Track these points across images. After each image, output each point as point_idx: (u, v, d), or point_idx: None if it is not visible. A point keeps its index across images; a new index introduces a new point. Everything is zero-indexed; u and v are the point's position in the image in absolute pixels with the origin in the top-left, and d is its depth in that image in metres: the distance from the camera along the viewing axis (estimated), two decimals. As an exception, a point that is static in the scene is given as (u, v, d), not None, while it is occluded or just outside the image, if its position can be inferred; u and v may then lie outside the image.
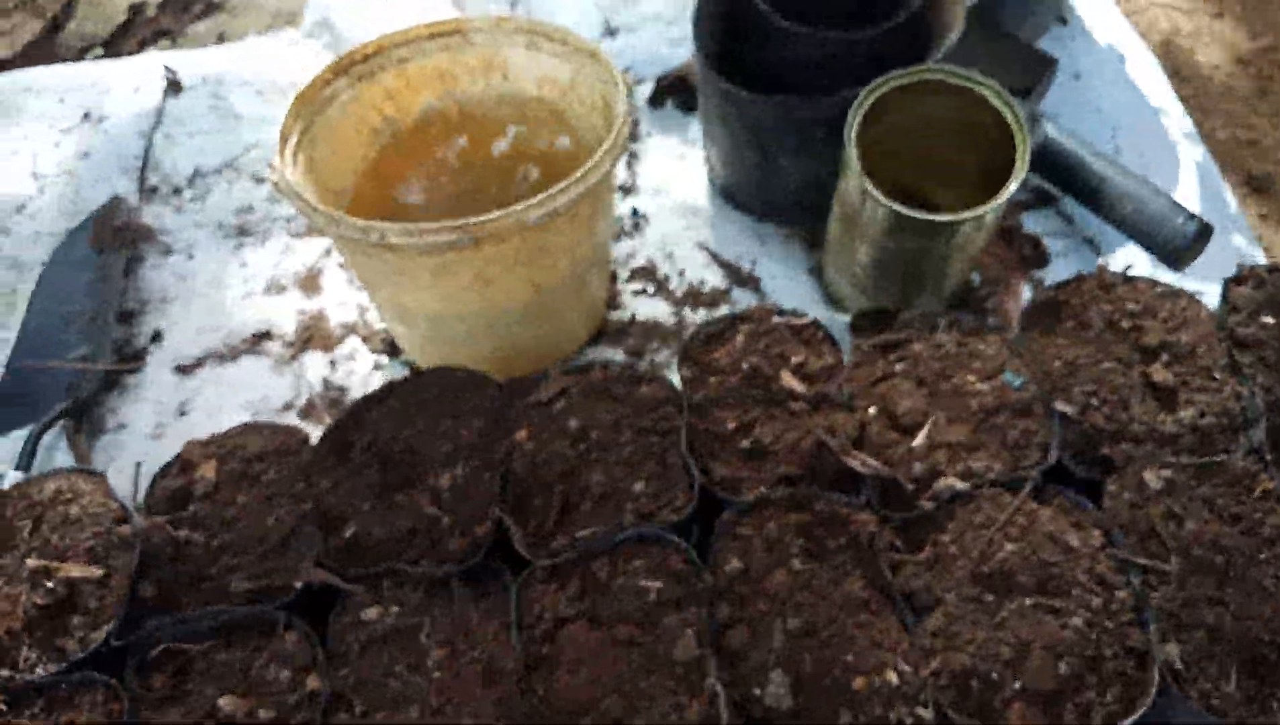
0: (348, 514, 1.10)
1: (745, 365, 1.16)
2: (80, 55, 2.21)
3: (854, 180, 1.22)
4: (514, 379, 1.22)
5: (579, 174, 1.13)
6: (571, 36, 1.36)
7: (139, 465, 1.21)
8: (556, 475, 1.09)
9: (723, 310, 1.47)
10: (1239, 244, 1.53)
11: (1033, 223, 1.55)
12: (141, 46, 2.21)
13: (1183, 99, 1.76)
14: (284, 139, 1.26)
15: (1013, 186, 1.18)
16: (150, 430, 1.45)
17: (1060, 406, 1.08)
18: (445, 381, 1.20)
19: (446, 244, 1.12)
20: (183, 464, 1.17)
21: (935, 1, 1.40)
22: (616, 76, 1.28)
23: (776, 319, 1.22)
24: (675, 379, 1.19)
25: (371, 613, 1.03)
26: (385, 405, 1.19)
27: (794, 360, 1.17)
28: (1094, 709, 0.90)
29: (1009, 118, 1.22)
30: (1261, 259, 1.51)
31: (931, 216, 1.20)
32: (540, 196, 1.12)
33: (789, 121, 1.33)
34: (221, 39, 2.21)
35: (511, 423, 1.15)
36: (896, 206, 1.19)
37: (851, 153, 1.21)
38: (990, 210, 1.18)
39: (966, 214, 1.19)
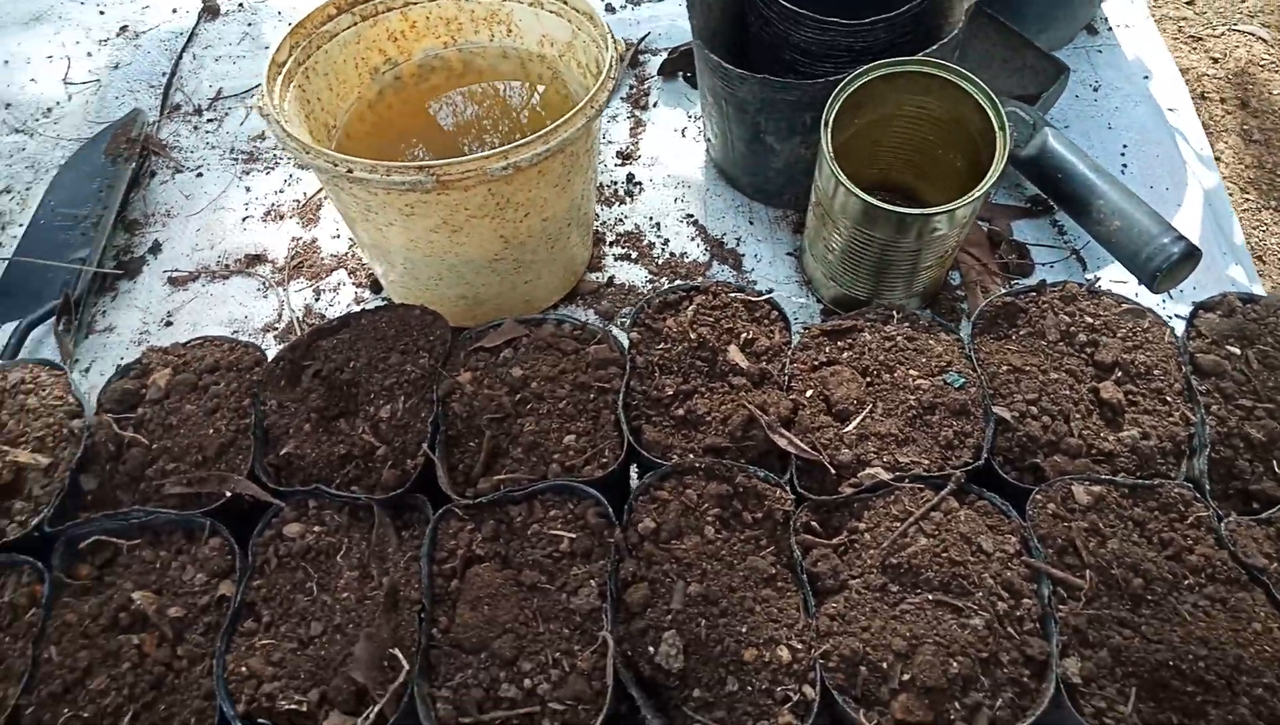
0: (287, 434, 1.12)
1: (694, 335, 1.16)
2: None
3: (827, 166, 1.21)
4: (471, 327, 1.23)
5: (545, 130, 1.13)
6: (572, -5, 1.36)
7: (119, 367, 1.24)
8: (490, 420, 1.11)
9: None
10: (1237, 275, 1.49)
11: (1025, 231, 1.52)
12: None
13: (1244, 131, 1.71)
14: (276, 65, 1.29)
15: (986, 185, 1.17)
16: (135, 336, 1.50)
17: (998, 411, 1.07)
18: (400, 319, 1.21)
19: (410, 184, 1.13)
20: (140, 368, 1.20)
21: (943, -4, 1.38)
22: (609, 39, 1.28)
23: (733, 294, 1.22)
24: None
25: (293, 529, 1.05)
26: (339, 336, 1.21)
27: (743, 336, 1.17)
28: (981, 711, 0.89)
29: (992, 116, 1.20)
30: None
31: (899, 209, 1.18)
32: (503, 148, 1.13)
33: (775, 102, 1.32)
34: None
35: (457, 365, 1.17)
36: (865, 196, 1.18)
37: (825, 137, 1.20)
38: (961, 206, 1.16)
39: (936, 209, 1.17)
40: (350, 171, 1.13)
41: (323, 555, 1.03)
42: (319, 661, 0.95)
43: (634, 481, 1.18)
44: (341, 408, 1.15)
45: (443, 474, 1.07)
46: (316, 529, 1.05)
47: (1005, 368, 1.11)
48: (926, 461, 1.04)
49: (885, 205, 1.17)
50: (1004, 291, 1.18)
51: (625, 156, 1.69)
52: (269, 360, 1.20)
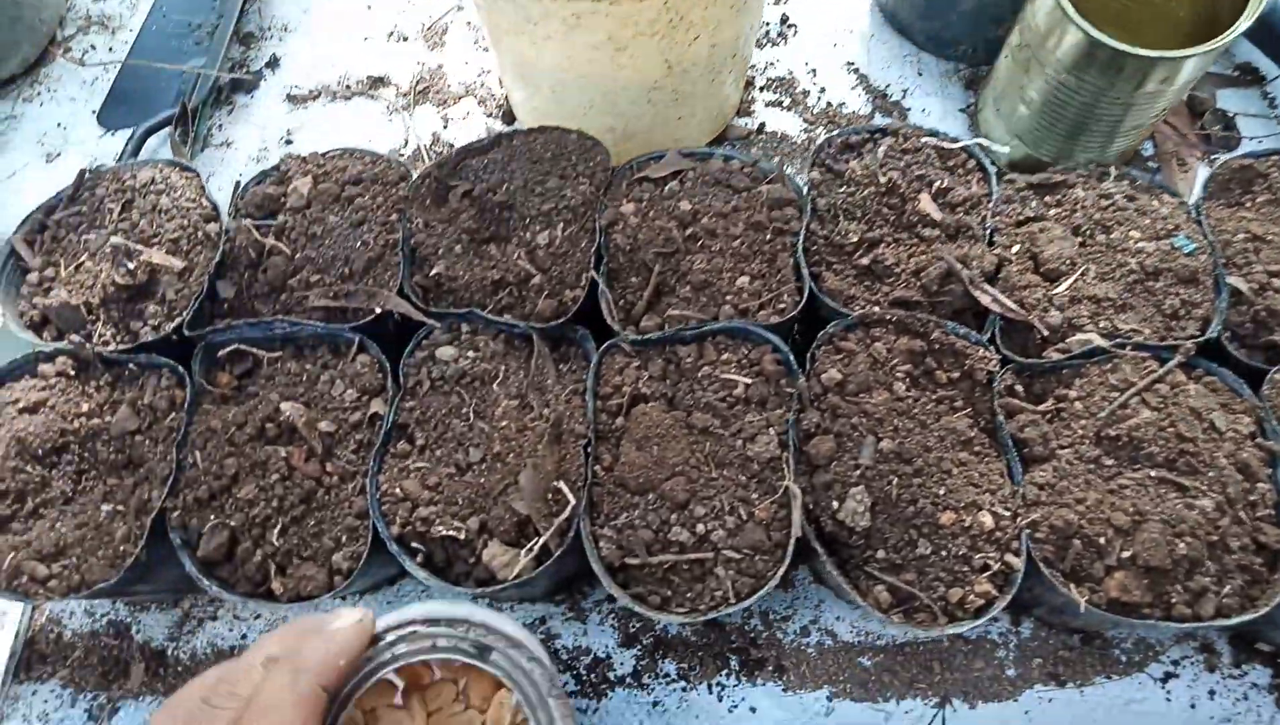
0: (436, 254, 1.04)
1: (883, 179, 1.05)
2: None
3: (1049, -4, 1.06)
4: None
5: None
6: None
7: (238, 183, 1.17)
8: (658, 254, 1.01)
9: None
10: None
11: (1230, 101, 1.36)
12: None
13: None
14: None
15: (1237, 30, 1.02)
16: (254, 152, 1.42)
17: (1233, 280, 0.95)
18: (557, 141, 1.11)
19: (583, -12, 1.01)
20: (279, 175, 1.12)
21: None
22: None
23: (925, 139, 1.09)
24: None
25: (447, 351, 0.98)
26: (490, 156, 1.11)
27: (936, 185, 1.05)
28: (1206, 596, 0.82)
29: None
30: None
31: (1127, 47, 1.04)
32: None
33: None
34: None
35: (619, 195, 1.07)
36: (1091, 30, 1.04)
37: (1055, -41, 1.05)
38: (1199, 53, 1.02)
39: (1165, 53, 1.03)
40: (509, -29, 1.01)
41: (478, 382, 0.97)
42: (478, 489, 0.89)
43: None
44: (493, 231, 1.06)
45: (609, 306, 0.98)
46: (471, 354, 0.98)
47: (1241, 236, 0.99)
48: (1147, 330, 0.94)
49: (1114, 42, 1.03)
50: (1240, 152, 1.05)
51: (779, -5, 1.54)
52: (414, 177, 1.11)
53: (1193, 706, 0.96)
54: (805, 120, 1.39)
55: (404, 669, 0.65)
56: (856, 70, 1.44)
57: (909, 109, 1.39)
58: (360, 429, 0.95)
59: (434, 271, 1.03)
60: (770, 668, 0.99)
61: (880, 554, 0.86)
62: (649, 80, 1.19)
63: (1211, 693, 0.96)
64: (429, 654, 0.65)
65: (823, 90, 1.42)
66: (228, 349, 1.00)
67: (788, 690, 0.98)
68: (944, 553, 0.85)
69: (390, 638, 0.65)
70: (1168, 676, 0.97)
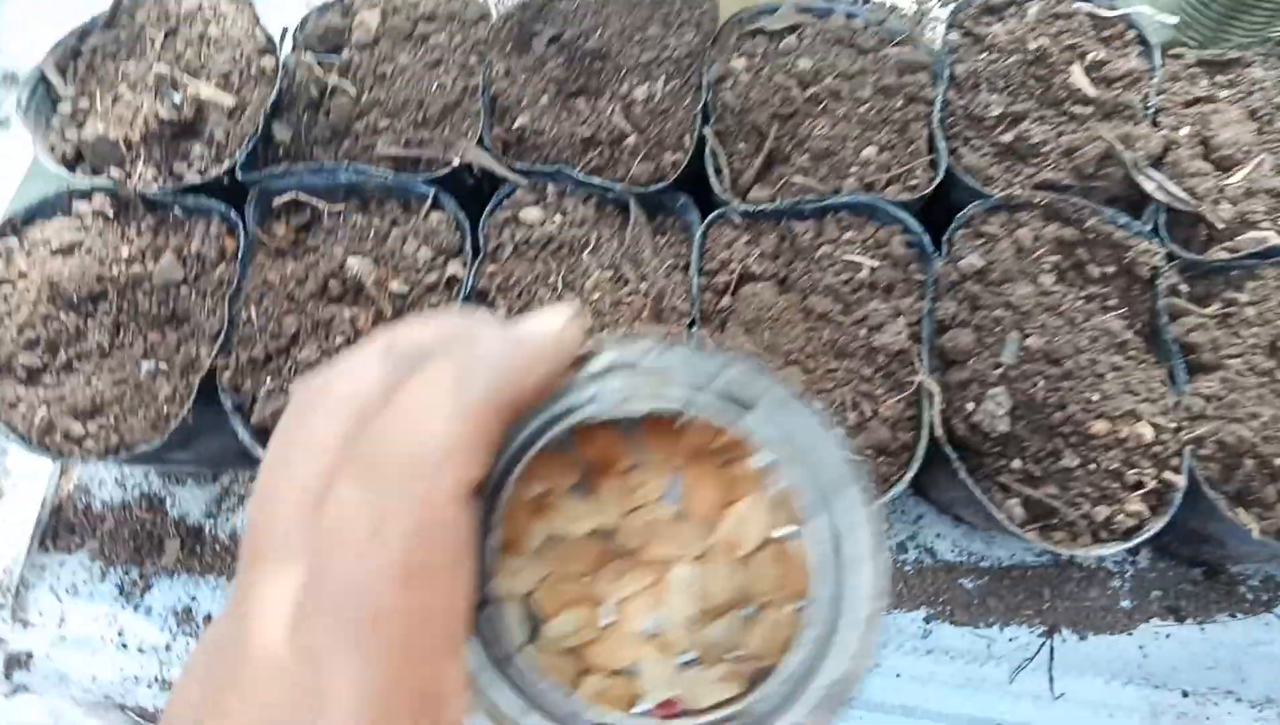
0: (519, 105, 0.92)
1: (1031, 46, 0.92)
2: None
3: None
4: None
5: None
6: None
7: (285, 30, 1.02)
8: (773, 117, 0.89)
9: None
10: None
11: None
12: None
13: None
14: None
15: None
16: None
17: None
18: (657, -16, 0.98)
19: None
20: (343, 6, 0.99)
21: None
22: None
23: (1079, 4, 0.96)
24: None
25: (533, 213, 0.87)
26: (581, -3, 0.98)
27: (1090, 57, 0.93)
28: (1387, 528, 0.73)
29: None
30: None
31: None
32: None
33: None
34: None
35: (729, 48, 0.95)
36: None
37: None
38: None
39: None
40: None
41: (567, 249, 0.86)
42: (571, 364, 0.79)
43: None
44: (583, 84, 0.94)
45: (719, 170, 0.87)
46: (559, 218, 0.87)
47: None
48: (1333, 231, 0.83)
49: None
50: None
51: None
52: (496, 17, 0.98)
53: (1326, 649, 0.88)
54: (917, -11, 1.25)
55: (604, 431, 0.43)
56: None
57: (1035, -16, 1.24)
58: (436, 292, 0.85)
59: (517, 124, 0.91)
60: (866, 582, 0.91)
61: (1016, 464, 0.77)
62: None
63: (1349, 637, 0.89)
64: (654, 403, 0.39)
65: (938, -42, 1.27)
66: (285, 197, 0.89)
67: (883, 608, 0.90)
68: (1092, 466, 0.75)
69: (597, 365, 0.39)
70: (1300, 617, 0.90)
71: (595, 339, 0.40)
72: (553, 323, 0.35)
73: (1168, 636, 0.89)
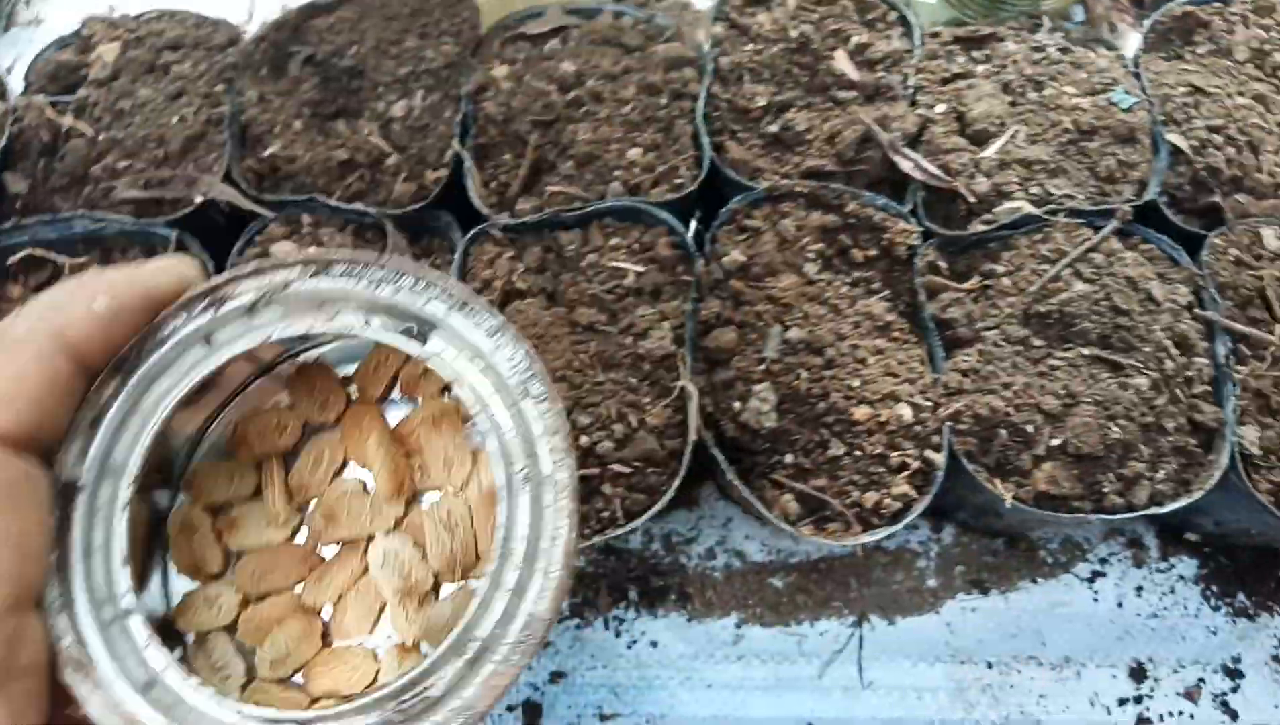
0: (271, 132, 0.88)
1: (793, 34, 0.92)
2: None
3: None
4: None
5: None
6: None
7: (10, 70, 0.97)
8: (535, 124, 0.87)
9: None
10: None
11: (1164, -43, 1.25)
12: None
13: None
14: None
15: None
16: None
17: (1172, 137, 0.86)
18: (414, -5, 0.95)
19: None
20: (80, 41, 0.94)
21: None
22: None
23: (840, -11, 0.96)
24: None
25: (285, 248, 0.83)
26: (338, 13, 0.95)
27: (854, 40, 0.93)
28: (1139, 483, 0.74)
29: None
30: None
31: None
32: None
33: None
34: None
35: (491, 56, 0.92)
36: None
37: None
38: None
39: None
40: None
41: (324, 279, 0.82)
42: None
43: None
44: (342, 104, 0.90)
45: (476, 185, 0.84)
46: (312, 251, 0.83)
47: (1181, 90, 0.89)
48: (1081, 195, 0.84)
49: None
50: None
51: None
52: (247, 40, 0.94)
53: (1120, 605, 0.90)
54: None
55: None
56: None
57: (824, -33, 1.24)
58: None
59: (268, 152, 0.87)
60: (673, 596, 0.90)
61: (789, 458, 0.76)
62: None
63: (1139, 589, 0.91)
64: (312, 327, 0.38)
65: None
66: (19, 255, 0.83)
67: (692, 619, 0.89)
68: (858, 453, 0.75)
69: (242, 298, 0.38)
70: (1095, 576, 0.91)
71: (235, 271, 0.39)
72: (144, 264, 0.35)
73: (973, 610, 0.90)
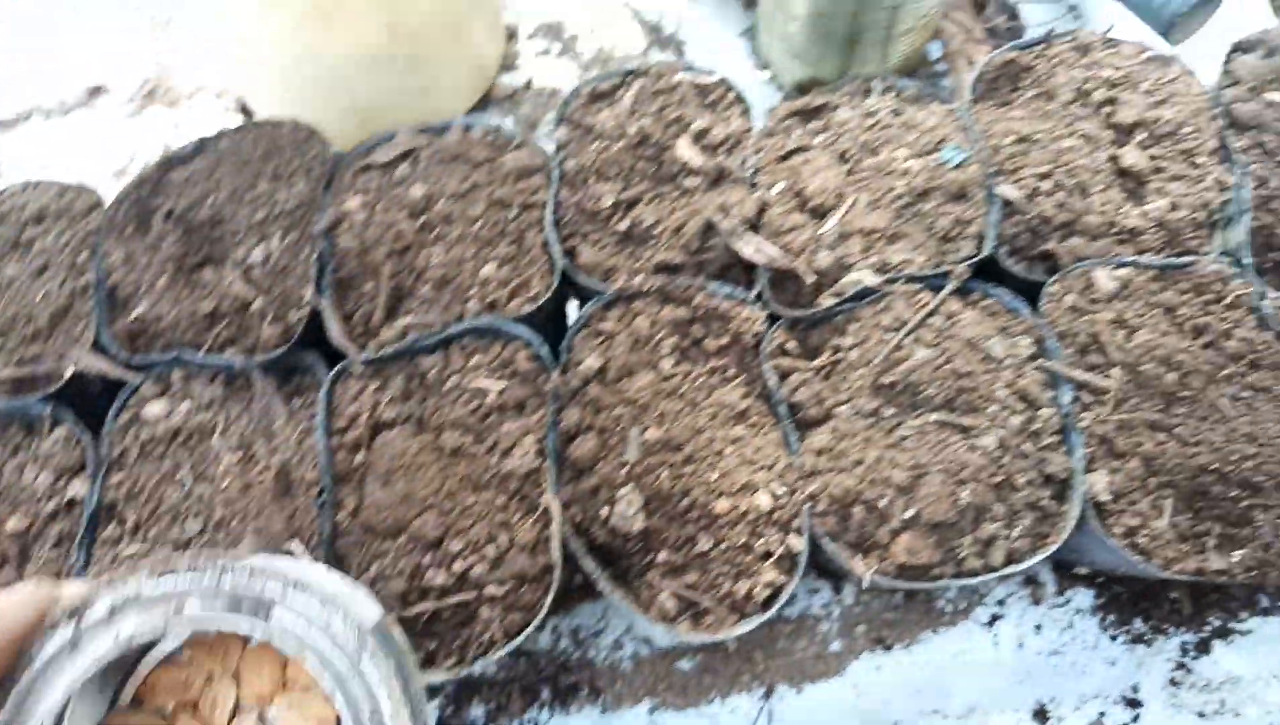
0: (138, 292, 0.91)
1: (634, 129, 0.94)
2: None
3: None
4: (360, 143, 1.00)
5: None
6: None
7: None
8: (389, 253, 0.90)
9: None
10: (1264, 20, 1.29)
11: (1013, -14, 1.29)
12: None
13: None
14: None
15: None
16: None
17: (1003, 190, 0.88)
18: (267, 137, 0.97)
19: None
20: (-56, 228, 0.96)
21: None
22: None
23: (680, 75, 0.99)
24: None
25: (156, 408, 0.85)
26: (193, 165, 0.97)
27: (695, 126, 0.95)
28: (996, 544, 0.76)
29: None
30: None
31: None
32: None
33: None
34: None
35: (343, 189, 0.95)
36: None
37: None
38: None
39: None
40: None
41: (195, 437, 0.84)
42: (203, 562, 0.78)
43: (574, 315, 0.99)
44: (206, 253, 0.93)
45: (333, 322, 0.87)
46: (185, 406, 0.86)
47: (1010, 138, 0.91)
48: (921, 258, 0.86)
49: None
50: (1006, 46, 0.97)
51: (537, -70, 1.40)
52: (109, 203, 0.96)
53: (1020, 645, 0.92)
54: (578, 66, 1.28)
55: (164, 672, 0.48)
56: (627, 4, 1.32)
57: (684, 41, 1.28)
58: (59, 518, 0.82)
59: (136, 313, 0.89)
60: (585, 691, 0.91)
61: (661, 556, 0.78)
62: (371, 47, 1.06)
63: (1038, 627, 0.92)
64: (157, 632, 0.44)
65: (593, 31, 1.30)
66: (-99, 444, 0.86)
67: (606, 712, 0.90)
68: (724, 544, 0.77)
69: (98, 612, 0.44)
70: (994, 619, 0.93)
71: (90, 585, 0.45)
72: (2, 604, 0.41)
73: (878, 669, 0.92)
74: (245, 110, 1.27)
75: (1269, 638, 0.92)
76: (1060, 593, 0.94)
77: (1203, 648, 0.92)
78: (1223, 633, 0.93)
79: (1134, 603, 0.93)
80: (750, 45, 1.27)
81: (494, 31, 1.23)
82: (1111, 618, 0.93)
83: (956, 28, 1.23)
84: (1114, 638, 0.92)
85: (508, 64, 1.28)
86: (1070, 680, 0.90)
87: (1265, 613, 0.93)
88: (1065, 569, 0.94)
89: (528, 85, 1.26)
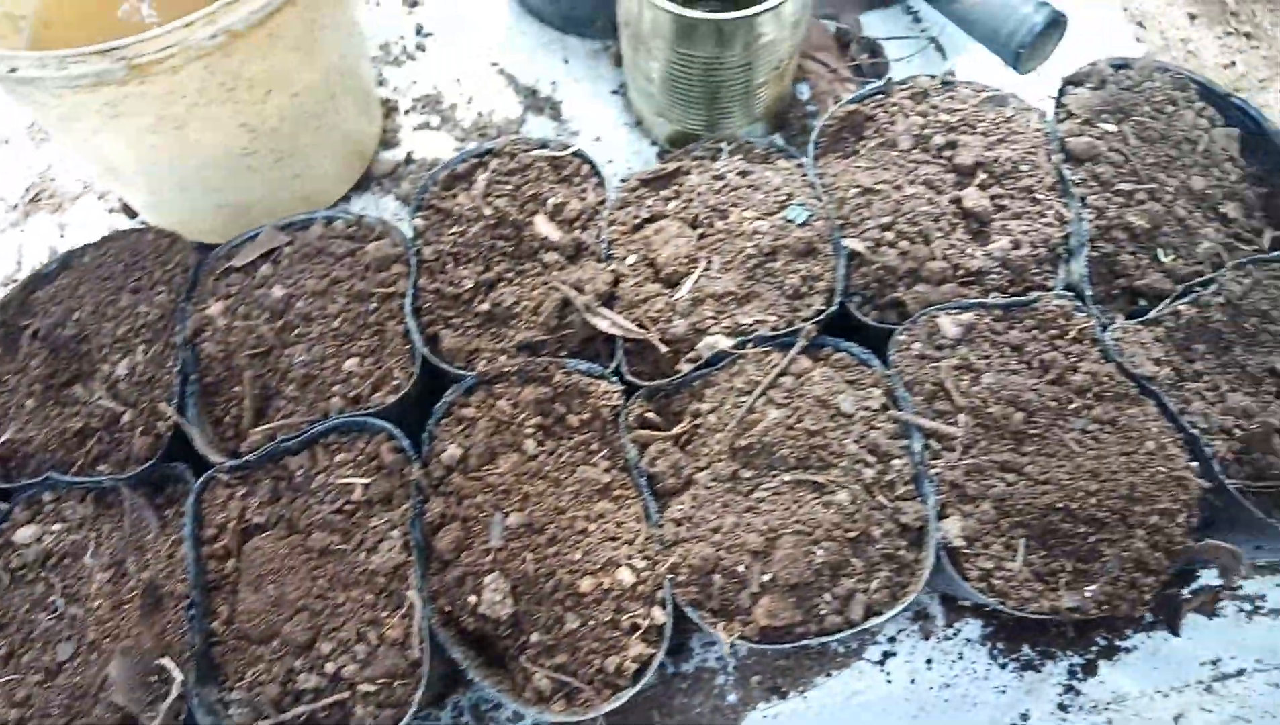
0: (6, 415, 0.91)
1: (490, 210, 0.96)
2: None
3: (621, -26, 0.98)
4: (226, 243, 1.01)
5: (253, -23, 0.88)
6: None
7: None
8: (252, 357, 0.90)
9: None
10: (1116, 42, 1.33)
11: (877, 25, 1.32)
12: None
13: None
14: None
15: (808, -29, 0.96)
16: None
17: (849, 243, 0.90)
18: (129, 249, 0.98)
19: (96, 75, 0.87)
20: None
21: None
22: None
23: (534, 152, 1.01)
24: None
25: (27, 533, 0.86)
26: (57, 282, 0.98)
27: (552, 202, 0.97)
28: (855, 599, 0.77)
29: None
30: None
31: (715, 16, 0.97)
32: (206, 10, 0.88)
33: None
34: None
35: (205, 295, 0.95)
36: (672, 7, 0.96)
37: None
38: (763, 10, 0.95)
39: (758, 8, 0.96)
40: (14, 70, 0.87)
41: (67, 559, 0.85)
42: (73, 692, 0.78)
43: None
44: (74, 370, 0.93)
45: (195, 432, 0.87)
46: (56, 528, 0.86)
47: (854, 191, 0.94)
48: (773, 317, 0.88)
49: (699, 14, 0.96)
50: (846, 99, 0.99)
51: (412, 2, 1.42)
52: (-27, 327, 0.96)
53: (912, 681, 0.93)
54: (457, 138, 1.29)
55: None
56: (502, 70, 1.33)
57: (560, 101, 1.30)
58: (-73, 656, 0.82)
59: (5, 438, 0.90)
60: (482, 771, 0.92)
61: (534, 638, 0.79)
62: (235, 148, 1.06)
63: (929, 661, 0.94)
64: None
65: (470, 100, 1.32)
66: None
67: (504, 789, 0.91)
68: (592, 622, 0.78)
69: None
70: (886, 657, 0.94)
71: None
72: None
73: (775, 718, 0.93)
74: (128, 210, 1.27)
75: (1152, 653, 0.94)
76: (949, 624, 0.95)
77: (1089, 669, 0.94)
78: (1108, 652, 0.94)
79: (1022, 629, 0.95)
80: (623, 102, 1.29)
81: (368, 109, 1.24)
82: (1000, 646, 0.95)
83: (820, 68, 1.26)
84: (1004, 665, 0.94)
85: (388, 139, 1.29)
86: (962, 712, 0.92)
87: (1150, 628, 0.95)
88: (952, 601, 0.96)
89: (408, 159, 1.27)
